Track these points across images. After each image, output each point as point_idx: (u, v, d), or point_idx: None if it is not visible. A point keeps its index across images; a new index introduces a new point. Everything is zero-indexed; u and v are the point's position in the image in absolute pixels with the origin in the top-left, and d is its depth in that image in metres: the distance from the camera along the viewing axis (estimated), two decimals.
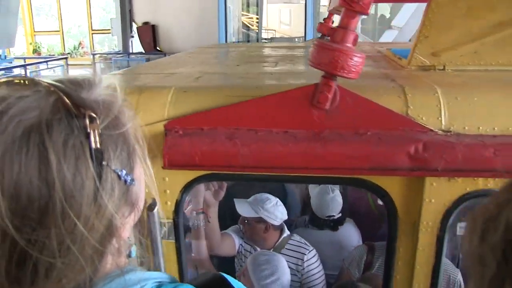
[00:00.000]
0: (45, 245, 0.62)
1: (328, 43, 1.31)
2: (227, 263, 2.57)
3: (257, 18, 16.67)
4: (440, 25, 1.62)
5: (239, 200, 2.45)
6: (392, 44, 3.05)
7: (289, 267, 2.39)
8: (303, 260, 2.41)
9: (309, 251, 2.44)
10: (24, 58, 14.40)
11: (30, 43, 18.20)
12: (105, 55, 14.93)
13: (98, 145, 0.65)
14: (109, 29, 14.98)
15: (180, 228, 1.56)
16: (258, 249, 2.45)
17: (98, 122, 0.66)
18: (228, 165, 1.43)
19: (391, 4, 11.56)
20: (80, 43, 18.70)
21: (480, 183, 1.39)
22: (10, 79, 0.69)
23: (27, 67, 12.67)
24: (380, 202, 1.79)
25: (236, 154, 1.40)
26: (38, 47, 18.33)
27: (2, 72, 12.35)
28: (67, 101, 0.65)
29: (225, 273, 2.39)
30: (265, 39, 17.16)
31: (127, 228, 0.76)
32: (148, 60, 11.29)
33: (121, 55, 14.09)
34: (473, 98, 1.41)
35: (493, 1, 1.55)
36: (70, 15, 18.52)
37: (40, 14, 19.14)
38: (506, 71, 1.72)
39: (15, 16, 11.32)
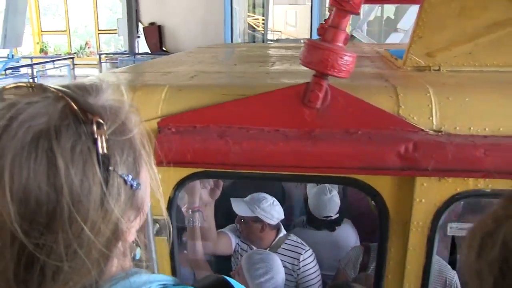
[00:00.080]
0: (52, 249, 0.63)
1: (318, 42, 1.32)
2: (223, 262, 2.58)
3: (263, 20, 16.71)
4: (434, 25, 1.62)
5: (236, 199, 2.46)
6: (391, 45, 3.05)
7: (285, 266, 2.40)
8: (299, 260, 2.41)
9: (306, 251, 2.44)
10: (31, 58, 14.52)
11: (37, 43, 18.36)
12: (111, 55, 15.03)
13: (105, 151, 0.67)
14: (115, 29, 15.07)
15: (172, 225, 1.57)
16: (255, 248, 2.46)
17: (105, 127, 0.67)
18: (219, 163, 1.44)
19: (395, 6, 11.54)
20: (86, 43, 18.83)
21: (471, 184, 1.39)
22: (19, 84, 0.70)
23: (34, 66, 12.78)
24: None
25: (227, 152, 1.41)
26: (45, 46, 18.48)
27: (10, 71, 12.47)
28: (75, 107, 0.66)
29: (222, 272, 2.41)
30: (271, 40, 17.20)
31: (132, 232, 0.78)
32: None
33: (127, 55, 14.17)
34: (464, 98, 1.41)
35: (486, 1, 1.54)
36: (77, 15, 18.66)
37: (47, 14, 19.30)
38: (501, 72, 1.72)
39: (22, 16, 11.39)
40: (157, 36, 14.57)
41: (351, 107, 1.41)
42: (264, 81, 1.70)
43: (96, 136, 0.66)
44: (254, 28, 16.67)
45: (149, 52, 14.30)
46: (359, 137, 1.38)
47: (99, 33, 18.17)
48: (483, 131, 1.39)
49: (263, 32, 16.63)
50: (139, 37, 14.97)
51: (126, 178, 0.70)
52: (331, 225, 2.74)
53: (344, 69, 1.31)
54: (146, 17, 14.58)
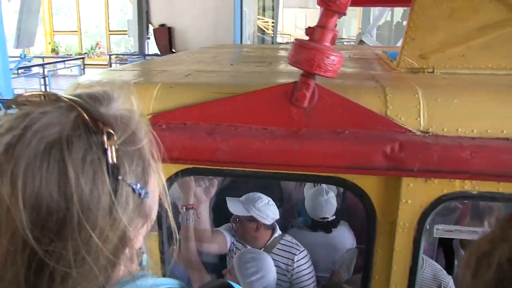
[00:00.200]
0: (61, 255, 0.65)
1: (305, 42, 1.33)
2: (219, 261, 2.60)
3: (272, 22, 16.74)
4: (425, 27, 1.62)
5: (231, 198, 2.47)
6: (392, 48, 3.04)
7: (279, 266, 2.40)
8: (293, 260, 2.41)
9: (300, 252, 2.44)
10: (43, 57, 14.71)
11: (49, 43, 18.61)
12: (121, 56, 15.16)
13: (115, 160, 0.68)
14: (125, 30, 15.21)
15: (162, 220, 1.59)
16: (250, 248, 2.47)
17: (115, 138, 0.69)
18: (207, 160, 1.45)
19: (403, 9, 11.47)
20: (97, 44, 19.04)
21: (457, 185, 1.38)
22: (34, 93, 0.72)
23: (45, 66, 12.94)
24: None
25: (215, 149, 1.42)
26: (57, 46, 18.72)
27: (22, 70, 12.64)
28: (86, 117, 0.68)
29: (216, 270, 2.40)
30: (280, 43, 17.21)
31: (139, 239, 0.80)
32: None
33: (137, 56, 14.28)
34: (453, 100, 1.41)
35: (476, 3, 1.54)
36: (88, 16, 18.88)
37: (59, 14, 19.56)
38: (495, 75, 1.71)
39: (36, 16, 11.54)
40: (167, 37, 14.64)
41: (339, 106, 1.42)
42: (255, 80, 1.72)
43: (106, 146, 0.68)
44: (264, 31, 16.71)
45: (159, 53, 14.40)
46: (346, 137, 1.39)
47: (109, 34, 18.36)
48: (471, 132, 1.38)
49: (272, 35, 16.66)
50: (149, 38, 15.07)
51: (134, 187, 0.72)
52: (328, 226, 2.74)
53: (330, 68, 1.31)
54: (156, 18, 14.68)
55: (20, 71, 12.40)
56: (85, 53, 17.80)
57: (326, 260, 2.68)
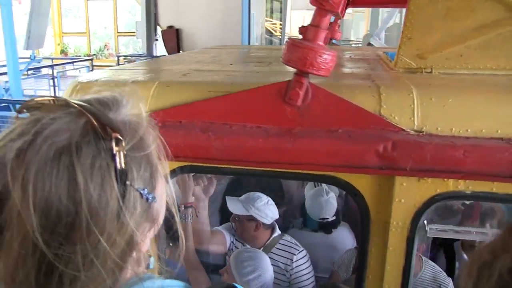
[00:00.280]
0: (70, 259, 0.67)
1: (298, 41, 1.33)
2: (218, 260, 2.60)
3: (280, 24, 16.74)
4: (422, 26, 1.61)
5: (231, 197, 2.48)
6: (393, 48, 3.03)
7: (278, 266, 2.40)
8: (292, 260, 2.41)
9: (299, 252, 2.44)
10: (52, 59, 14.88)
11: (58, 44, 18.81)
12: (130, 58, 15.25)
13: (123, 166, 0.70)
14: (134, 32, 15.30)
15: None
16: (249, 247, 2.47)
17: (123, 144, 0.70)
18: (201, 157, 1.47)
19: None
20: (105, 45, 19.20)
21: (451, 185, 1.38)
22: (44, 98, 0.74)
23: (54, 67, 13.08)
24: None
25: (209, 146, 1.43)
26: (66, 48, 18.92)
27: (31, 71, 12.80)
28: (95, 124, 0.70)
29: (216, 269, 2.39)
30: None
31: (146, 243, 0.81)
32: None
33: (145, 57, 14.37)
34: (448, 99, 1.41)
35: (472, 3, 1.54)
36: (96, 17, 19.04)
37: (68, 16, 19.76)
38: (495, 75, 1.70)
39: (45, 18, 11.69)
40: (175, 39, 14.71)
41: (332, 105, 1.42)
42: (251, 79, 1.72)
43: (114, 152, 0.69)
44: (272, 33, 16.71)
45: (167, 55, 14.48)
46: (339, 135, 1.39)
47: (118, 36, 18.50)
48: (465, 132, 1.38)
49: (280, 37, 16.65)
50: (157, 40, 15.16)
51: (142, 192, 0.74)
52: (328, 227, 2.73)
53: (323, 67, 1.32)
54: (165, 20, 14.75)
55: (29, 72, 12.56)
56: (94, 55, 17.95)
57: (326, 261, 2.67)
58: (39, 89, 12.69)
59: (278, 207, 2.61)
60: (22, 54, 10.58)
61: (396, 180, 1.39)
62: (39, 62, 13.43)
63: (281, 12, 17.03)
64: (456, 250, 2.68)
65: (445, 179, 1.37)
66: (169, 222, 0.90)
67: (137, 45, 17.09)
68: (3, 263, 0.68)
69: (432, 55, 1.71)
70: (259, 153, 1.41)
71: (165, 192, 0.83)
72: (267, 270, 2.15)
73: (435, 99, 1.41)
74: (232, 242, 2.54)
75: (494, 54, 1.67)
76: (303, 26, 1.35)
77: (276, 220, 2.63)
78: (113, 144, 0.69)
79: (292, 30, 20.44)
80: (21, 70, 9.78)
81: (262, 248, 2.46)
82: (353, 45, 15.68)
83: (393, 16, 10.86)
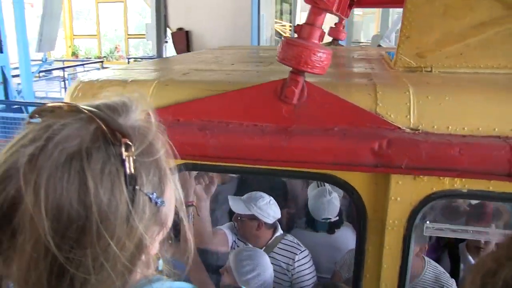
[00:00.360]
0: (81, 262, 0.69)
1: (293, 39, 1.34)
2: (220, 259, 2.61)
3: (290, 26, 16.74)
4: (420, 25, 1.61)
5: (233, 197, 2.49)
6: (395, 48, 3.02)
7: (280, 266, 2.41)
8: (294, 260, 2.41)
9: (301, 252, 2.44)
10: (63, 61, 15.08)
11: (69, 46, 19.05)
12: (140, 59, 15.38)
13: (132, 171, 0.72)
14: (144, 34, 15.43)
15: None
16: (251, 246, 2.48)
17: (133, 149, 0.72)
18: (198, 155, 1.48)
19: None
20: (116, 47, 19.39)
21: (447, 183, 1.37)
22: (55, 104, 0.76)
23: (65, 69, 13.25)
24: None
25: (205, 144, 1.45)
26: (76, 50, 19.15)
27: (43, 73, 12.97)
28: (105, 129, 0.71)
29: (218, 269, 2.39)
30: None
31: (155, 246, 0.83)
32: None
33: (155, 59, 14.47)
34: (444, 97, 1.40)
35: (471, 1, 1.53)
36: (107, 20, 19.24)
37: (79, 18, 20.01)
38: (496, 74, 1.69)
39: (57, 21, 11.85)
40: (184, 41, 14.76)
41: (328, 103, 1.42)
42: (249, 78, 1.73)
43: (124, 157, 0.71)
44: (281, 34, 16.71)
45: None
46: (335, 133, 1.39)
47: (128, 38, 18.68)
48: (462, 130, 1.37)
49: None
50: (167, 42, 15.24)
51: (151, 196, 0.75)
52: (330, 227, 2.73)
53: (318, 65, 1.32)
54: (175, 22, 14.83)
55: (41, 74, 12.73)
56: (104, 57, 18.16)
57: (329, 261, 2.67)
58: (50, 91, 12.86)
59: (282, 207, 2.61)
60: (33, 56, 10.73)
61: (392, 178, 1.39)
62: (51, 65, 13.61)
63: (290, 13, 17.03)
64: (460, 252, 2.65)
65: (441, 178, 1.36)
66: (177, 226, 0.92)
67: (147, 47, 17.23)
68: (17, 266, 0.70)
69: (431, 54, 1.70)
70: (255, 151, 1.42)
71: (173, 196, 0.85)
72: (267, 268, 2.15)
73: (432, 97, 1.41)
74: (234, 241, 2.55)
75: (494, 53, 1.66)
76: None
77: (280, 220, 2.63)
78: (123, 149, 0.71)
79: None
80: (33, 72, 9.92)
81: (264, 247, 2.46)
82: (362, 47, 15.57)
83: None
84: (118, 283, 0.73)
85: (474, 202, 2.60)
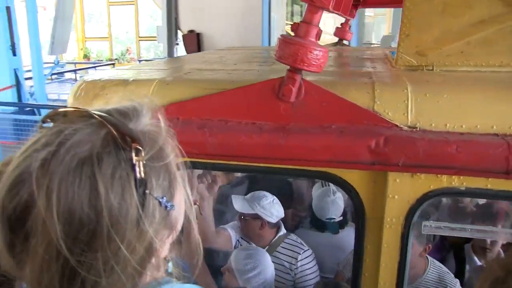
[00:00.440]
0: (92, 265, 0.71)
1: (290, 38, 1.35)
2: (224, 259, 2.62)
3: None
4: (419, 23, 1.60)
5: (237, 196, 2.50)
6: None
7: (283, 265, 2.41)
8: (297, 259, 2.41)
9: (304, 251, 2.44)
10: (75, 63, 15.27)
11: (81, 49, 19.29)
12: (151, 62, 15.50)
13: (142, 175, 0.73)
14: (155, 36, 15.52)
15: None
16: (253, 245, 2.49)
17: (143, 154, 0.74)
18: (198, 153, 1.49)
19: None
20: (127, 49, 19.58)
21: (445, 181, 1.36)
22: (67, 109, 0.78)
23: (77, 71, 13.42)
24: None
25: (204, 142, 1.46)
26: (88, 52, 19.38)
27: (55, 76, 13.15)
28: (116, 135, 0.73)
29: (220, 268, 2.38)
30: None
31: (165, 249, 0.85)
32: None
33: None
34: (442, 95, 1.40)
35: None
36: (118, 22, 19.44)
37: (91, 21, 20.26)
38: (498, 72, 1.67)
39: (69, 23, 12.00)
40: (195, 43, 14.78)
41: (325, 101, 1.43)
42: (249, 77, 1.75)
43: (134, 162, 0.73)
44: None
45: None
46: (332, 131, 1.39)
47: (139, 40, 18.84)
48: (460, 128, 1.36)
49: None
50: (177, 44, 15.31)
51: (161, 200, 0.77)
52: (335, 227, 2.72)
53: (314, 63, 1.33)
54: (185, 24, 14.90)
55: (53, 76, 12.90)
56: (116, 59, 18.33)
57: (333, 261, 2.66)
58: (62, 93, 13.03)
59: (286, 207, 2.61)
60: (46, 59, 10.89)
61: (390, 176, 1.39)
62: (63, 67, 13.81)
63: (301, 15, 16.99)
64: (466, 253, 2.63)
65: (439, 175, 1.35)
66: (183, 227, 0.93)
67: (158, 49, 17.34)
68: (30, 268, 0.72)
69: (431, 52, 1.70)
70: (254, 149, 1.43)
71: (183, 200, 0.86)
72: (268, 267, 2.16)
73: (430, 95, 1.40)
74: (238, 240, 2.56)
75: (495, 51, 1.64)
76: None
77: (285, 220, 2.64)
78: (133, 154, 0.72)
79: None
80: (45, 75, 10.07)
81: (267, 247, 2.47)
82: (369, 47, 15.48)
83: None
84: (128, 285, 0.74)
85: (481, 202, 2.59)
